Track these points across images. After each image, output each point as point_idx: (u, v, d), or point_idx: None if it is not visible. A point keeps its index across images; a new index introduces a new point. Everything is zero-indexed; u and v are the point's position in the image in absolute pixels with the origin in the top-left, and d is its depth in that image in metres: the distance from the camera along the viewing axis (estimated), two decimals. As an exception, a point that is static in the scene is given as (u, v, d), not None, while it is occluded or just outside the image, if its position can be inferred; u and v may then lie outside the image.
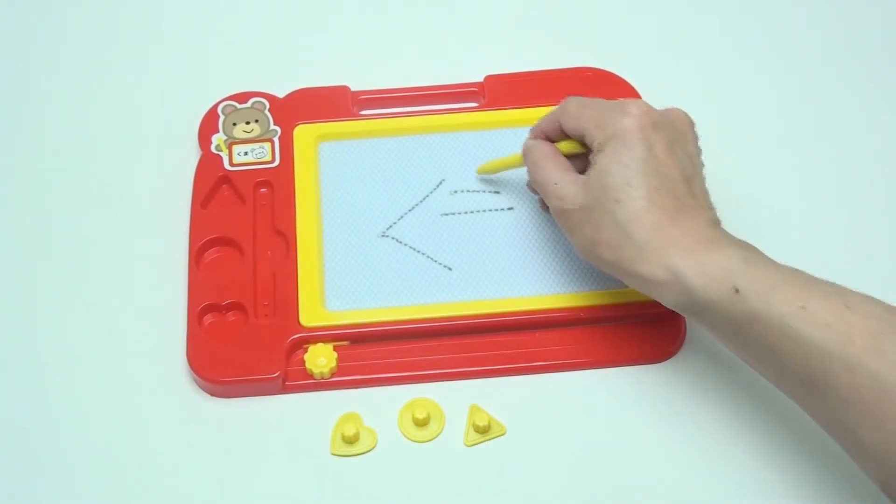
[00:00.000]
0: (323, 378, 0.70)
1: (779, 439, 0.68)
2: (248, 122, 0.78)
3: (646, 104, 0.66)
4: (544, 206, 0.72)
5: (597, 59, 0.81)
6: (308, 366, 0.70)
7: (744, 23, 0.86)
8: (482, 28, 0.86)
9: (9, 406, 0.71)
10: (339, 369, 0.71)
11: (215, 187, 0.76)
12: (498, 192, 0.76)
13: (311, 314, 0.71)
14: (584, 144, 0.68)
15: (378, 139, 0.78)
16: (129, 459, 0.69)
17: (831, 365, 0.58)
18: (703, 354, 0.71)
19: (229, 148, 0.77)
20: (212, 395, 0.71)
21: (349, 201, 0.76)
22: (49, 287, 0.74)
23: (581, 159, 0.68)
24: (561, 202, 0.67)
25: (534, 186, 0.71)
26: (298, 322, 0.71)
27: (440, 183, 0.77)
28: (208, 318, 0.72)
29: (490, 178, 0.76)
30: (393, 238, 0.75)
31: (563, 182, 0.67)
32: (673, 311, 0.64)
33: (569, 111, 0.68)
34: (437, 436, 0.69)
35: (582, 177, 0.66)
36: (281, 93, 0.80)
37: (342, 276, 0.73)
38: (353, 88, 0.80)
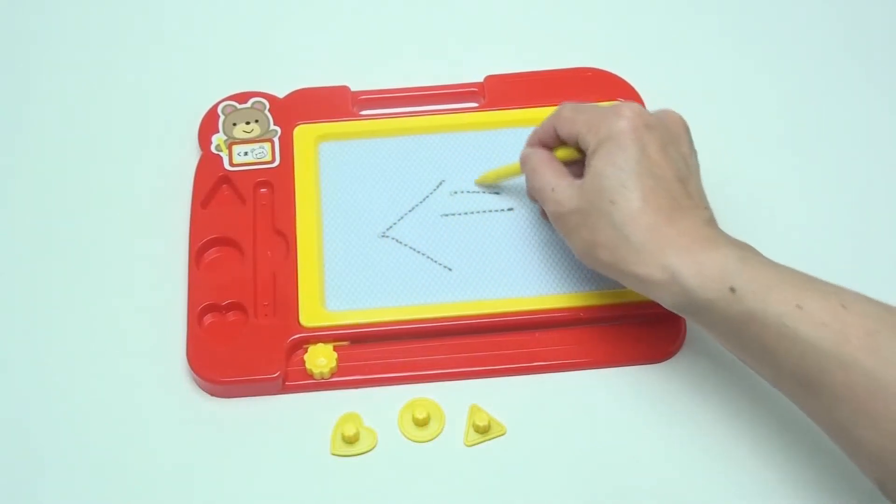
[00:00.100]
0: (323, 378, 0.70)
1: (778, 439, 0.68)
2: (248, 122, 0.78)
3: (639, 107, 0.67)
4: (545, 214, 0.72)
5: (597, 59, 0.81)
6: (308, 366, 0.70)
7: (744, 23, 0.86)
8: (482, 28, 0.86)
9: (9, 406, 0.71)
10: (339, 369, 0.71)
11: (215, 187, 0.76)
12: (498, 193, 0.76)
13: (311, 314, 0.71)
14: (580, 150, 0.68)
15: (378, 139, 0.78)
16: (129, 459, 0.69)
17: (827, 364, 0.58)
18: (703, 354, 0.71)
19: (229, 148, 0.77)
20: (212, 395, 0.71)
21: (349, 201, 0.76)
22: (49, 287, 0.74)
23: (579, 166, 0.68)
24: (558, 206, 0.67)
25: (532, 193, 0.71)
26: (298, 322, 0.71)
27: (440, 184, 0.77)
28: (208, 318, 0.72)
29: (490, 179, 0.77)
30: (393, 238, 0.75)
31: (560, 187, 0.67)
32: (672, 312, 0.65)
33: (563, 116, 0.68)
34: (437, 436, 0.69)
35: (578, 181, 0.67)
36: (281, 93, 0.80)
37: (342, 277, 0.73)
38: (353, 88, 0.80)
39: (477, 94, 0.80)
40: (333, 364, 0.70)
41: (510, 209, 0.76)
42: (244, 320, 0.72)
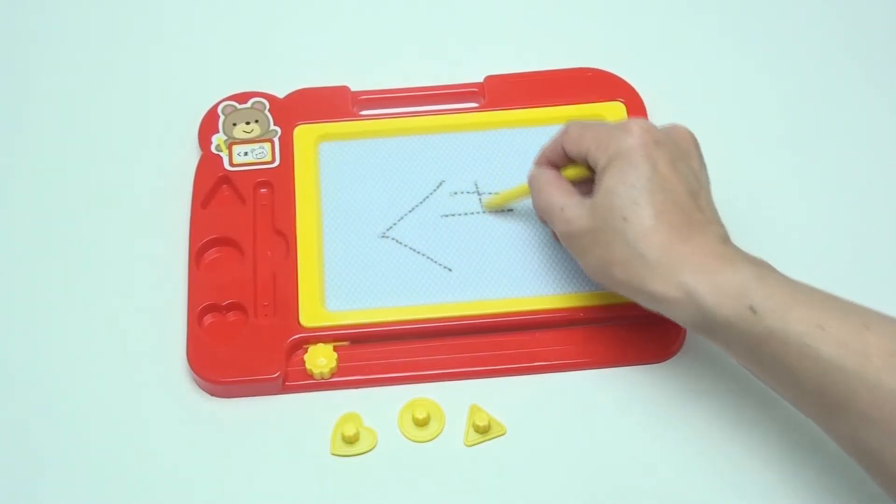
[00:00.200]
0: (323, 378, 0.70)
1: (778, 439, 0.68)
2: (248, 123, 0.78)
3: (647, 122, 0.66)
4: (555, 236, 0.71)
5: (597, 59, 0.81)
6: (308, 366, 0.70)
7: (744, 23, 0.86)
8: (482, 28, 0.86)
9: (9, 406, 0.71)
10: (339, 369, 0.71)
11: (215, 187, 0.76)
12: (498, 194, 0.76)
13: (311, 314, 0.71)
14: (588, 168, 0.68)
15: (378, 139, 0.78)
16: (130, 459, 0.69)
17: (850, 383, 0.58)
18: (703, 355, 0.71)
19: (229, 148, 0.77)
20: (212, 395, 0.71)
21: (349, 201, 0.76)
22: (49, 287, 0.74)
23: (587, 184, 0.68)
24: (568, 225, 0.67)
25: (541, 214, 0.70)
26: (298, 322, 0.71)
27: (440, 184, 0.77)
28: (208, 319, 0.72)
29: (489, 179, 0.76)
30: (393, 239, 0.75)
31: (569, 206, 0.67)
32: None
33: (570, 135, 0.68)
34: (437, 436, 0.69)
35: (587, 199, 0.66)
36: (281, 93, 0.80)
37: (342, 277, 0.73)
38: (353, 88, 0.80)
39: (477, 94, 0.80)
40: (333, 364, 0.70)
41: (510, 210, 0.76)
42: (244, 320, 0.72)
